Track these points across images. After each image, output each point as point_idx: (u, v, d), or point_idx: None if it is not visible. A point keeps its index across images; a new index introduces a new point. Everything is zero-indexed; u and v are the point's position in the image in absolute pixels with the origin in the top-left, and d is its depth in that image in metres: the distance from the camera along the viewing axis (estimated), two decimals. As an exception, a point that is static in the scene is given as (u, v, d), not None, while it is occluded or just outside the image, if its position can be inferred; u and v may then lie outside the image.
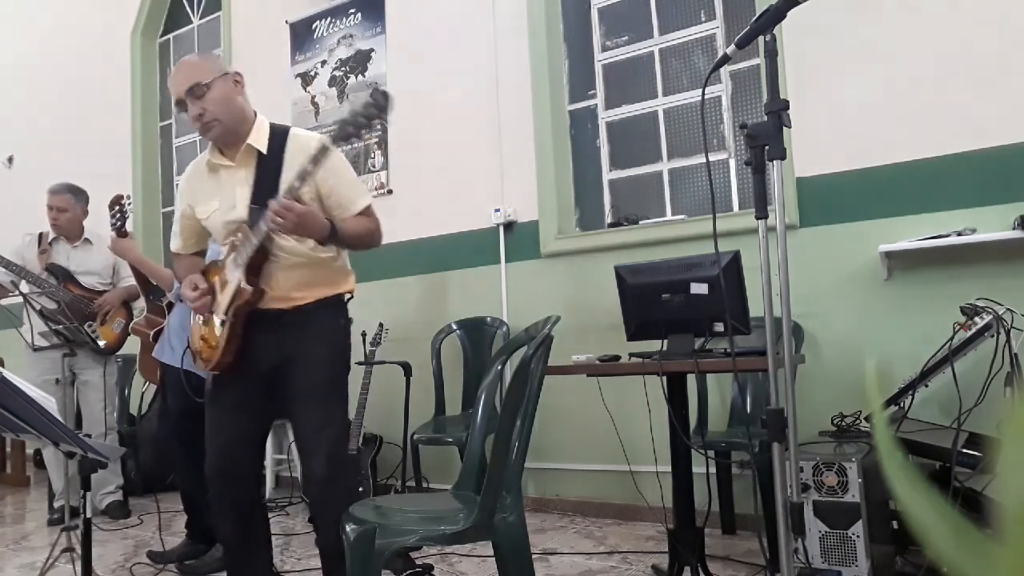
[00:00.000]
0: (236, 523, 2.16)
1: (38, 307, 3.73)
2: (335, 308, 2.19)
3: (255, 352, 2.10)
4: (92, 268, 4.01)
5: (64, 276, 3.91)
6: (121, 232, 3.13)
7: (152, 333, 3.15)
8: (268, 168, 2.08)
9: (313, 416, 2.08)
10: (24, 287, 3.76)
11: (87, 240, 4.05)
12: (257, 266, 2.05)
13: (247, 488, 2.18)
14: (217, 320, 2.10)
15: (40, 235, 4.01)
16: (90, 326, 3.86)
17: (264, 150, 2.09)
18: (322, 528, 2.09)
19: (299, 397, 2.09)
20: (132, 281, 3.96)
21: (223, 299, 2.08)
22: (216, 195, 2.13)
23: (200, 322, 2.17)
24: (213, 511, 2.23)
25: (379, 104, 1.85)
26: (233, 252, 2.08)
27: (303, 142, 2.10)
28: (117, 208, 3.15)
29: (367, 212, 2.15)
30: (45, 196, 3.99)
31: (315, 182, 2.02)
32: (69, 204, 3.97)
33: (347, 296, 2.25)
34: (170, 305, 3.17)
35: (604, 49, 4.04)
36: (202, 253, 2.35)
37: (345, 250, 2.22)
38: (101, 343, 3.88)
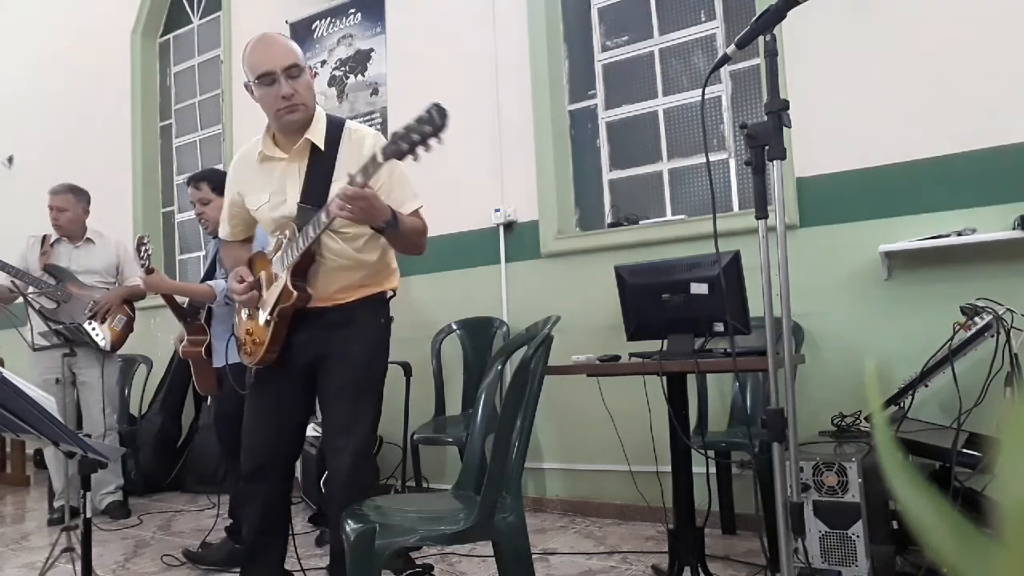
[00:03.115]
0: (262, 517, 2.19)
1: (38, 307, 3.74)
2: (376, 306, 2.19)
3: (294, 348, 2.12)
4: (94, 267, 4.01)
5: (64, 276, 3.91)
6: (149, 270, 3.17)
7: (203, 349, 3.19)
8: (322, 164, 2.07)
9: (343, 414, 2.09)
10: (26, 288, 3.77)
11: (89, 240, 4.06)
12: (303, 269, 2.06)
13: (279, 483, 2.20)
14: (262, 317, 2.11)
15: (44, 237, 4.02)
16: (91, 325, 3.86)
17: (322, 145, 2.08)
18: (337, 528, 2.08)
19: (332, 394, 2.11)
20: (135, 280, 3.97)
21: (269, 297, 2.09)
22: (267, 187, 2.11)
23: (245, 315, 2.19)
24: (242, 502, 2.26)
25: (435, 122, 1.73)
26: (279, 251, 2.09)
27: (358, 138, 2.11)
28: (144, 249, 3.18)
29: (418, 214, 2.14)
30: (46, 197, 4.00)
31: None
32: (69, 204, 3.98)
33: (389, 294, 2.25)
34: (208, 317, 3.19)
35: (604, 49, 4.04)
36: (249, 240, 2.36)
37: (391, 249, 2.21)
38: (102, 342, 3.88)
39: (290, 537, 2.28)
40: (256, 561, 2.22)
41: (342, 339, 2.10)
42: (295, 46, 2.08)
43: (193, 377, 3.33)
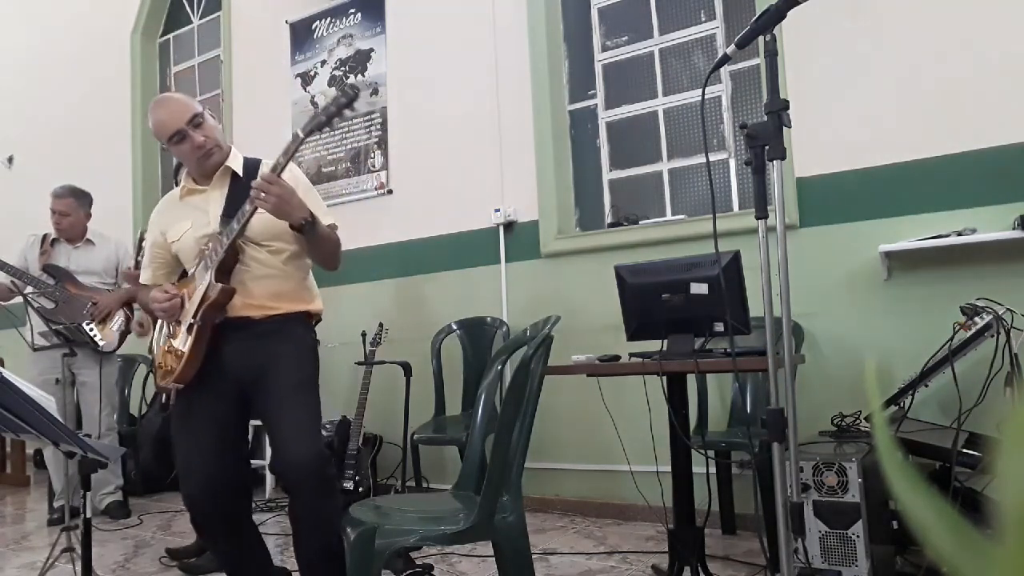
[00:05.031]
0: (226, 536, 2.13)
1: (37, 306, 3.73)
2: (304, 324, 2.21)
3: (224, 361, 2.08)
4: (93, 268, 4.01)
5: (62, 276, 3.91)
6: (137, 266, 3.15)
7: None
8: (241, 188, 2.11)
9: (298, 414, 2.04)
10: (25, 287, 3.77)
11: (89, 241, 4.06)
12: (227, 268, 2.06)
13: (232, 500, 2.12)
14: (184, 327, 2.08)
15: (44, 236, 4.01)
16: (89, 325, 3.87)
17: (240, 172, 2.16)
18: (318, 530, 2.03)
19: (281, 396, 2.05)
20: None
21: (191, 306, 2.08)
22: (188, 217, 2.16)
23: (167, 335, 2.16)
24: (200, 529, 2.18)
25: (348, 94, 1.96)
26: (202, 261, 2.10)
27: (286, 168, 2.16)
28: (143, 247, 3.16)
29: (332, 230, 2.18)
30: (48, 197, 3.99)
31: None
32: (72, 208, 3.97)
33: (314, 320, 2.26)
34: None
35: (604, 49, 4.04)
36: None
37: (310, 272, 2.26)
38: (101, 342, 3.88)
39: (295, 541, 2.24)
40: None
41: (276, 346, 2.08)
42: (188, 99, 2.19)
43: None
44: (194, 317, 2.05)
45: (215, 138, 2.13)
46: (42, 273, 3.90)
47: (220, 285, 2.03)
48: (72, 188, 4.01)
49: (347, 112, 1.99)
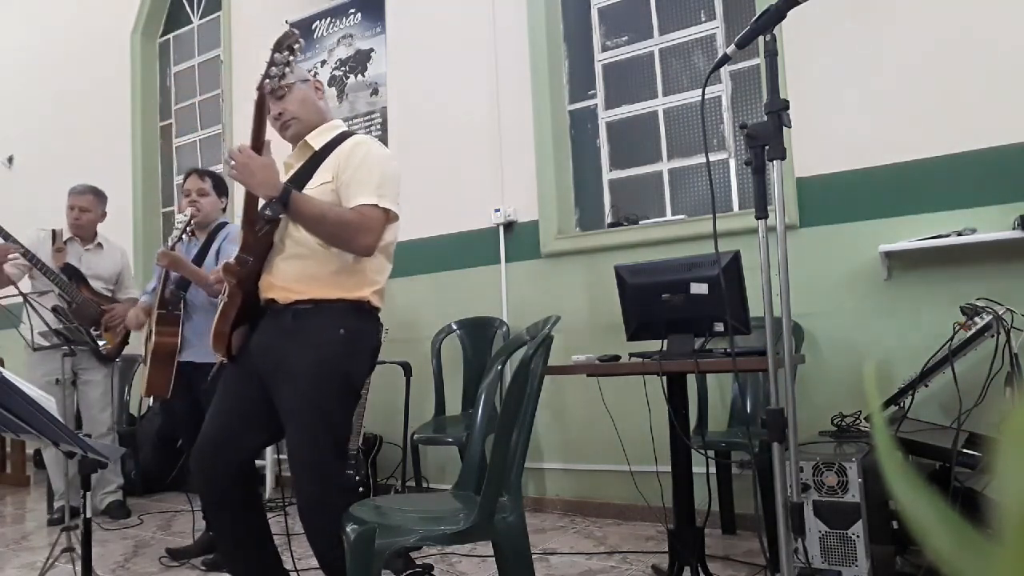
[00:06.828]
0: (219, 520, 2.13)
1: (51, 304, 3.73)
2: (338, 314, 2.02)
3: (252, 353, 2.08)
4: (101, 272, 4.04)
5: (78, 278, 3.93)
6: (173, 247, 3.16)
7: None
8: (311, 163, 2.09)
9: (297, 439, 1.99)
10: (28, 286, 3.77)
11: (99, 244, 4.08)
12: (248, 247, 2.03)
13: (230, 487, 2.07)
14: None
15: (53, 232, 4.01)
16: (95, 331, 3.89)
17: (317, 148, 2.10)
18: (314, 550, 2.05)
19: (285, 417, 2.01)
20: (134, 293, 4.02)
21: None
22: None
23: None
24: (203, 506, 2.22)
25: (279, 42, 1.97)
26: None
27: (352, 142, 2.10)
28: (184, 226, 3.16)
29: (362, 211, 1.98)
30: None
31: (338, 166, 2.04)
32: (92, 205, 4.01)
33: (366, 304, 2.10)
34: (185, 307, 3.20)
35: (604, 49, 4.04)
36: None
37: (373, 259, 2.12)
38: (104, 348, 3.92)
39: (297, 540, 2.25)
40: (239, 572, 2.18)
41: (293, 352, 1.98)
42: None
43: (146, 376, 3.16)
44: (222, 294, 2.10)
45: (291, 111, 2.10)
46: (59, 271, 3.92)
47: (226, 261, 2.05)
48: (92, 186, 4.06)
49: (292, 56, 1.97)
